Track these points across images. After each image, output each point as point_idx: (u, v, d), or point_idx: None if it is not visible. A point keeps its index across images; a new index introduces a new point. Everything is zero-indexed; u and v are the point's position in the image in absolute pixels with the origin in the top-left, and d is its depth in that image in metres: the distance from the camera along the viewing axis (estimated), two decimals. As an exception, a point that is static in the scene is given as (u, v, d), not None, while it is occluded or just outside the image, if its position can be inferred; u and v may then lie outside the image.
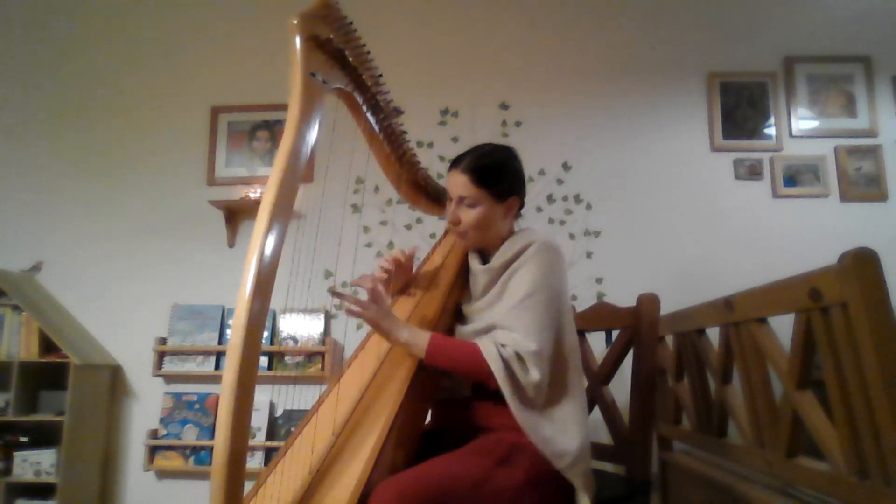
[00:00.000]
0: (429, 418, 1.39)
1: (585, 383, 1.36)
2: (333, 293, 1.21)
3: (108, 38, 3.08)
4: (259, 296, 0.80)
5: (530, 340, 1.19)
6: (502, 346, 1.20)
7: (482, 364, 1.18)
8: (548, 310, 1.24)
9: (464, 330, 1.36)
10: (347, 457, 1.04)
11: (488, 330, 1.28)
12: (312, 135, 0.94)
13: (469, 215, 1.34)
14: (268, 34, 2.97)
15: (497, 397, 1.22)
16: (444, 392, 1.35)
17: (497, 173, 1.34)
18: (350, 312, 1.21)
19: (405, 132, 1.31)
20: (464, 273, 1.47)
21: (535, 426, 1.19)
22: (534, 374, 1.17)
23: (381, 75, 1.18)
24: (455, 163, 1.35)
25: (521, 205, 1.41)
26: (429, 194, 1.47)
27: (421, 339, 1.22)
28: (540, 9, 2.97)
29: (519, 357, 1.19)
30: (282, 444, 2.44)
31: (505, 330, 1.23)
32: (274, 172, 0.87)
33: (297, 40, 0.95)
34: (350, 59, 1.08)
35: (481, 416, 1.30)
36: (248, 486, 0.86)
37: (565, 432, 1.22)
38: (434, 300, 1.37)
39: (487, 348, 1.20)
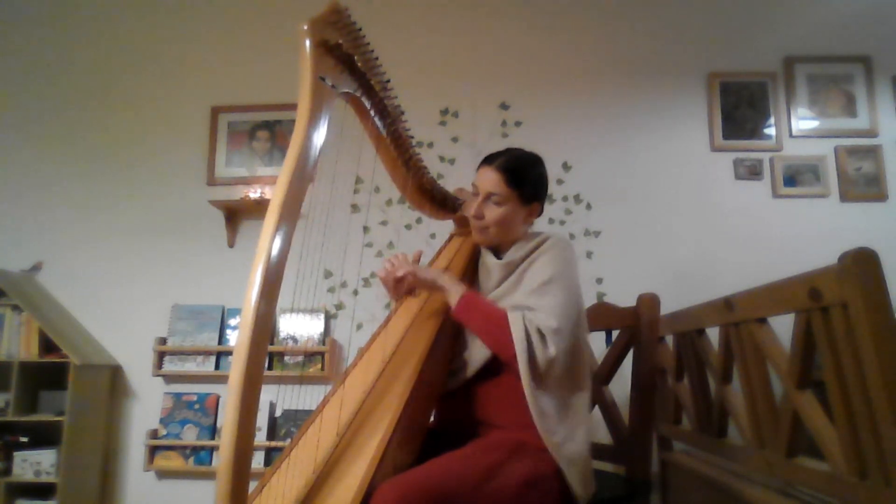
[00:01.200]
0: (432, 416, 1.40)
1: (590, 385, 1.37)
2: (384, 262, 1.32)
3: (108, 39, 3.08)
4: (266, 297, 0.81)
5: (552, 318, 1.23)
6: (529, 321, 1.24)
7: (505, 331, 1.23)
8: (568, 295, 1.28)
9: None
10: (351, 457, 1.05)
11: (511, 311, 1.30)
12: (320, 138, 0.95)
13: (494, 212, 1.37)
14: (268, 34, 2.97)
15: (498, 391, 1.23)
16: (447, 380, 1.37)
17: (528, 177, 1.38)
18: (389, 272, 1.31)
19: (412, 137, 1.32)
20: (471, 272, 1.49)
21: (539, 399, 1.22)
22: (551, 350, 1.21)
23: (388, 80, 1.19)
24: (489, 160, 1.39)
25: (541, 211, 1.45)
26: (434, 199, 1.47)
27: (458, 287, 1.29)
28: (540, 9, 2.97)
29: (540, 333, 1.22)
30: (282, 444, 2.47)
31: (529, 309, 1.26)
32: (282, 174, 0.88)
33: (307, 45, 0.96)
34: (359, 64, 1.09)
35: (483, 411, 1.32)
36: (250, 486, 0.86)
37: (565, 418, 1.25)
38: (442, 299, 1.37)
39: (514, 318, 1.24)
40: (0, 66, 3.09)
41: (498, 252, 1.44)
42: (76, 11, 3.11)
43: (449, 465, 1.12)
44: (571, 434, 1.24)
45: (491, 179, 1.36)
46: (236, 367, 0.78)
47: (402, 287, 1.34)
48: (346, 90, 1.09)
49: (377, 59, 1.14)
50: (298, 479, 1.01)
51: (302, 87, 0.94)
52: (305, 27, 0.96)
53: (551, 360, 1.21)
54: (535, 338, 1.21)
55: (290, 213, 0.87)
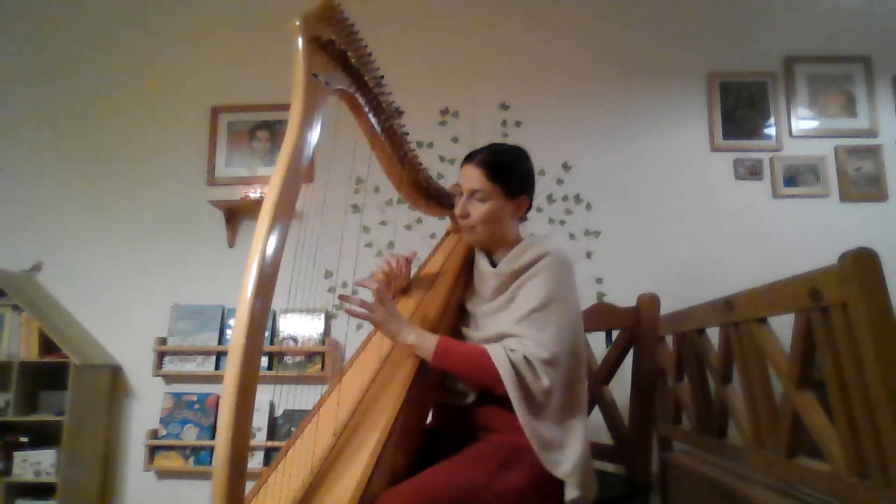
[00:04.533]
0: (430, 418, 1.39)
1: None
2: (341, 297, 1.20)
3: (108, 38, 3.08)
4: (261, 296, 0.80)
5: (542, 349, 1.19)
6: (511, 350, 1.19)
7: (490, 368, 1.17)
8: (562, 321, 1.24)
9: (472, 336, 1.35)
10: (348, 457, 1.04)
11: (498, 338, 1.26)
12: (314, 135, 0.94)
13: (479, 209, 1.34)
14: (268, 34, 2.97)
15: (499, 401, 1.22)
16: (448, 397, 1.35)
17: (510, 171, 1.35)
18: (354, 314, 1.21)
19: (407, 134, 1.31)
20: (466, 273, 1.47)
21: (538, 431, 1.18)
22: (544, 381, 1.17)
23: (382, 77, 1.18)
24: (470, 157, 1.37)
25: (529, 206, 1.41)
26: (430, 195, 1.47)
27: (429, 342, 1.21)
28: (540, 9, 2.97)
29: (528, 362, 1.18)
30: (282, 444, 2.45)
31: (516, 337, 1.22)
32: (276, 173, 0.87)
33: (300, 41, 0.95)
34: (352, 60, 1.08)
35: (483, 417, 1.30)
36: (248, 485, 0.86)
37: (566, 441, 1.21)
38: (436, 299, 1.37)
39: (496, 352, 1.19)
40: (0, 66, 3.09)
41: (492, 254, 1.42)
42: (76, 11, 3.11)
43: (449, 472, 1.11)
44: (574, 457, 1.20)
45: (473, 176, 1.33)
46: (232, 367, 0.78)
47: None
48: (340, 87, 1.09)
49: (371, 55, 1.14)
50: (296, 480, 1.01)
51: (295, 84, 0.94)
52: (298, 23, 0.95)
53: (547, 391, 1.17)
54: (523, 368, 1.17)
55: (285, 211, 0.86)
